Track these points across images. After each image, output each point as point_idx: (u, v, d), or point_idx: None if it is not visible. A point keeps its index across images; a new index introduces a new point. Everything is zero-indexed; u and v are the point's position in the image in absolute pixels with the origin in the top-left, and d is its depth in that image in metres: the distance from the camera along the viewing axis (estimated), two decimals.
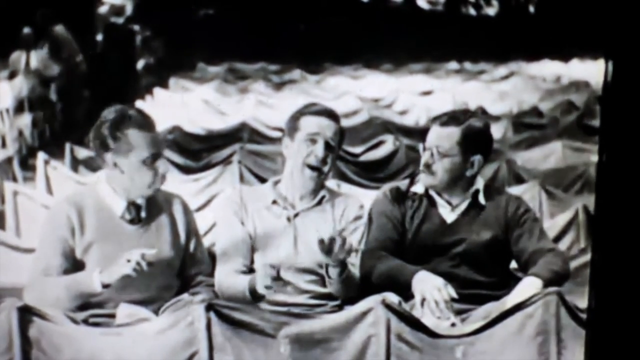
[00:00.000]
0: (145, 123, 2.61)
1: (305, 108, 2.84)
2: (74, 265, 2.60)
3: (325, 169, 2.79)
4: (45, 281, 2.56)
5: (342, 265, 2.62)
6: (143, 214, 2.67)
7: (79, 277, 2.54)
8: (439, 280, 2.57)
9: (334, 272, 2.64)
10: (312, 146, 2.76)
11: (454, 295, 2.54)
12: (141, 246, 2.55)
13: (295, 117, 2.82)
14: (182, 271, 2.74)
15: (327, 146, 2.76)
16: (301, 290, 2.75)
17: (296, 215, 2.81)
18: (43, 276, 2.57)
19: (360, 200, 2.92)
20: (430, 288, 2.55)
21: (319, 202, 2.83)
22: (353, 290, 2.70)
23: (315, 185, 2.81)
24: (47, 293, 2.53)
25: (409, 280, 2.62)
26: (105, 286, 2.48)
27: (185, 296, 2.61)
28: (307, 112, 2.81)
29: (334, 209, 2.83)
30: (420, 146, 2.85)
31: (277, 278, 2.49)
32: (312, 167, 2.77)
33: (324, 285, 2.73)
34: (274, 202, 2.82)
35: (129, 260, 2.42)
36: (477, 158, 2.80)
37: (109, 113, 2.61)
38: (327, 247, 2.52)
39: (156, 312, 2.56)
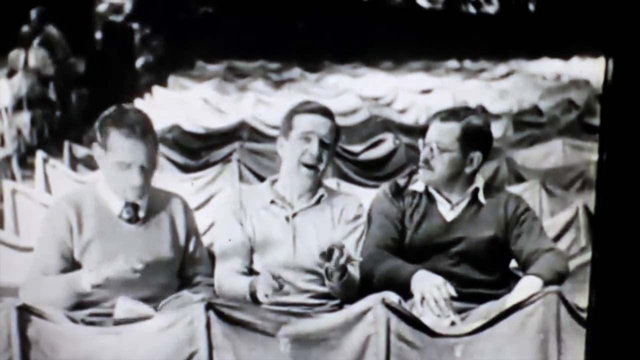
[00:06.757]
0: (134, 130, 2.56)
1: (299, 106, 2.83)
2: (72, 265, 2.60)
3: (321, 166, 2.78)
4: (40, 280, 2.57)
5: (343, 269, 2.62)
6: (141, 214, 2.66)
7: (71, 277, 2.53)
8: (438, 279, 2.57)
9: (335, 275, 2.64)
10: (307, 144, 2.76)
11: (453, 293, 2.54)
12: (140, 246, 2.54)
13: (289, 116, 2.81)
14: (181, 271, 2.74)
15: (322, 144, 2.76)
16: (301, 290, 2.74)
17: (295, 214, 2.80)
18: (40, 276, 2.57)
19: (359, 199, 2.91)
20: (429, 287, 2.55)
21: (318, 202, 2.83)
22: (353, 291, 2.69)
23: (312, 183, 2.80)
24: (42, 292, 2.53)
25: (407, 280, 2.61)
26: (95, 286, 2.48)
27: (184, 292, 2.61)
28: (300, 111, 2.80)
29: (333, 208, 2.82)
30: (420, 142, 2.84)
31: (279, 288, 2.49)
32: (307, 166, 2.77)
33: (323, 284, 2.72)
34: (272, 202, 2.81)
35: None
36: (476, 155, 2.80)
37: (112, 109, 2.63)
38: (327, 257, 2.53)
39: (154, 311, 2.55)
